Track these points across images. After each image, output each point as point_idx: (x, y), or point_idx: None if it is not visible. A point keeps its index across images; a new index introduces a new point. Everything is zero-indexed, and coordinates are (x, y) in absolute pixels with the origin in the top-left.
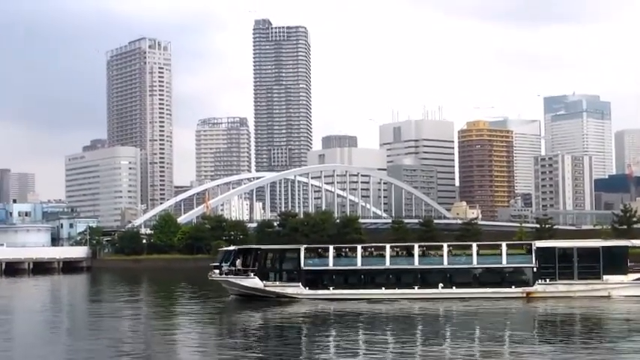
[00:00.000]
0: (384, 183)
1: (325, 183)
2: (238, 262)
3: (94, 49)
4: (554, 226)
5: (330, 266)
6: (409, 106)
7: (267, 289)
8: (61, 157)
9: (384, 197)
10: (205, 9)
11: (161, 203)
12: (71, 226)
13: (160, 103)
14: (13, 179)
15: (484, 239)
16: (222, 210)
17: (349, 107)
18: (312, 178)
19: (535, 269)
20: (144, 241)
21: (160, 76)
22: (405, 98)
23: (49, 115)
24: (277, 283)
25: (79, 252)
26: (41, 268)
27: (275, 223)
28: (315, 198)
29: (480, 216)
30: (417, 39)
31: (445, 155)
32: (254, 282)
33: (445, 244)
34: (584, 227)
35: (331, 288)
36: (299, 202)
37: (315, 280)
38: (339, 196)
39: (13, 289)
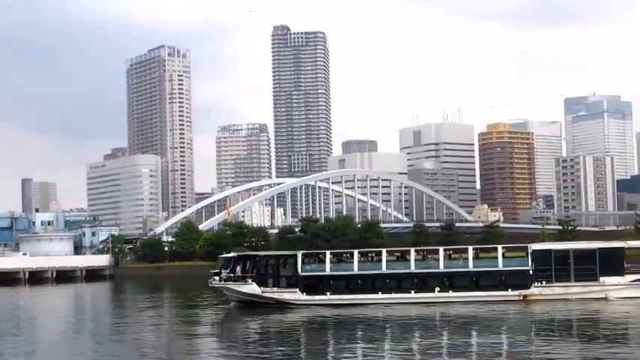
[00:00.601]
0: (405, 187)
1: (346, 188)
2: (238, 268)
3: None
4: (577, 228)
5: (328, 272)
6: (429, 110)
7: (265, 295)
8: (83, 165)
9: (405, 201)
10: (224, 16)
11: (182, 210)
12: (93, 234)
13: (179, 111)
14: (35, 188)
15: (506, 242)
16: (243, 216)
17: (369, 112)
18: (332, 183)
19: (531, 272)
20: (166, 248)
21: (179, 84)
22: (424, 102)
23: (70, 124)
24: (275, 289)
25: (102, 260)
26: (64, 276)
27: (296, 229)
28: (335, 203)
29: (502, 218)
30: (435, 42)
31: (465, 158)
32: (252, 288)
33: (441, 248)
34: (607, 228)
35: (328, 293)
36: (320, 208)
37: (312, 285)
38: (359, 200)
39: (37, 298)
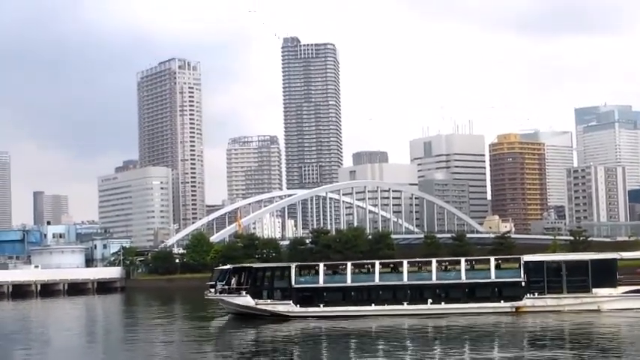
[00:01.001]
0: (416, 198)
1: (357, 199)
2: (233, 280)
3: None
4: (589, 238)
5: (321, 283)
6: (439, 121)
7: (258, 307)
8: (94, 178)
9: (416, 212)
10: (234, 28)
11: (193, 222)
12: (105, 246)
13: (190, 123)
14: (47, 201)
15: (518, 253)
16: (254, 228)
17: (379, 123)
18: (343, 194)
19: (524, 283)
20: (177, 260)
21: (190, 96)
22: (434, 113)
23: (81, 137)
24: (269, 301)
25: (113, 272)
26: (76, 288)
27: (307, 240)
28: (346, 214)
29: (513, 229)
30: (445, 53)
31: (476, 169)
32: (246, 300)
33: (434, 260)
34: (618, 239)
35: (322, 305)
36: (331, 219)
37: (305, 297)
38: (370, 212)
39: (49, 311)
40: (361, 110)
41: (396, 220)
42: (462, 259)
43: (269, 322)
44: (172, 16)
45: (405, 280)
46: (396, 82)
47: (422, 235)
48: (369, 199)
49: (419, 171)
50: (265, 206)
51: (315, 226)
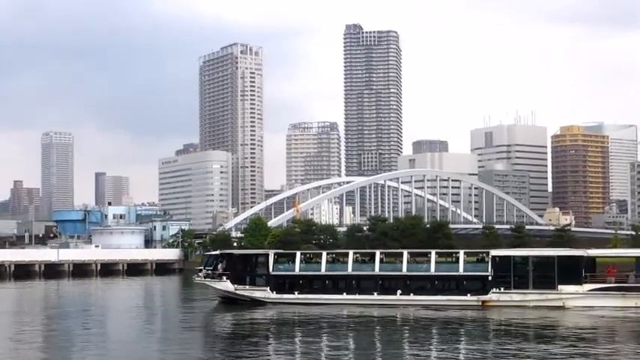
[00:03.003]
0: (475, 188)
1: (415, 188)
2: (220, 266)
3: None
4: None
5: (297, 271)
6: (501, 111)
7: (237, 292)
8: (155, 161)
9: (475, 202)
10: (296, 14)
11: (252, 207)
12: (164, 228)
13: (251, 108)
14: (109, 182)
15: (577, 246)
16: (312, 214)
17: (440, 112)
18: (402, 182)
19: (490, 278)
20: (234, 244)
21: (251, 81)
22: (496, 103)
23: (143, 120)
24: (247, 287)
25: (172, 254)
26: (135, 269)
27: (365, 228)
28: (405, 203)
29: (574, 222)
30: (509, 43)
31: (538, 160)
32: (226, 285)
33: (405, 252)
34: None
35: (296, 292)
36: (389, 207)
37: (282, 284)
38: (429, 201)
39: (110, 290)
40: (422, 99)
41: (454, 209)
42: (433, 252)
43: (249, 307)
44: (235, 2)
45: (377, 270)
46: (457, 70)
47: (480, 226)
48: (427, 187)
49: (479, 161)
50: (324, 192)
51: (372, 214)
